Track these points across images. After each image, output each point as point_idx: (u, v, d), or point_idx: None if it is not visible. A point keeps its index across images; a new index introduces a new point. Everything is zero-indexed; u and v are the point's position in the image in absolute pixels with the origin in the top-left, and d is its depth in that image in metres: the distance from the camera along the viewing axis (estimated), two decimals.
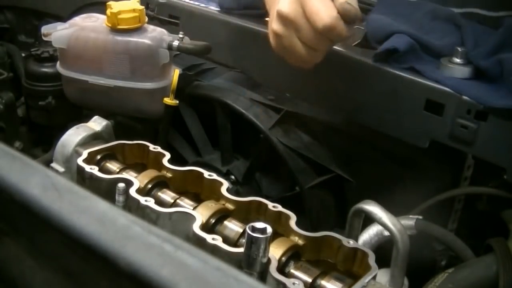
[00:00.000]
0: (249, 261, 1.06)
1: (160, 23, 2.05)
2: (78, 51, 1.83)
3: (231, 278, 0.49)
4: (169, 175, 1.40)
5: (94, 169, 1.33)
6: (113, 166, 1.42)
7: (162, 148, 1.48)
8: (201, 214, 1.22)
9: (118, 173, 1.39)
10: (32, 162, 0.65)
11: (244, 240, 1.11)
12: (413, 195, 1.62)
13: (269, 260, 1.08)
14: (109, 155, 1.44)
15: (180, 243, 0.52)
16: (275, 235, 1.14)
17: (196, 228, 1.16)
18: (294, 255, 1.16)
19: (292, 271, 1.13)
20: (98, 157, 1.42)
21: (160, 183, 1.36)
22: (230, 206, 1.30)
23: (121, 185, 1.28)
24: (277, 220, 1.23)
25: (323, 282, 1.10)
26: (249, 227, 1.05)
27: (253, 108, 1.82)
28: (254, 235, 1.04)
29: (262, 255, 1.06)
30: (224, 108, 1.85)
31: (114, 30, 1.79)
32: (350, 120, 1.74)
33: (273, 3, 1.54)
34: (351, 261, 1.17)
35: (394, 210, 1.26)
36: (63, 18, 2.09)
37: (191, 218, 1.19)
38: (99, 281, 0.56)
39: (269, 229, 1.05)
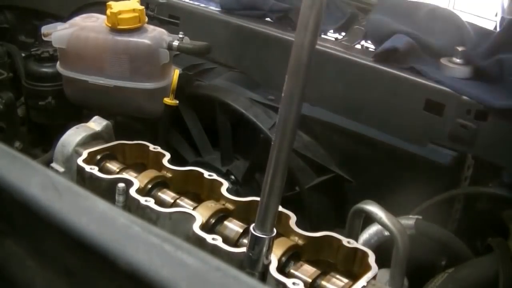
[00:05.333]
0: (252, 261, 1.06)
1: (160, 23, 2.05)
2: (78, 51, 1.83)
3: (231, 278, 0.49)
4: (169, 175, 1.40)
5: (94, 169, 1.33)
6: (113, 166, 1.42)
7: (162, 148, 1.48)
8: (201, 214, 1.22)
9: (118, 173, 1.39)
10: (32, 162, 0.65)
11: (244, 240, 1.11)
12: (413, 195, 1.62)
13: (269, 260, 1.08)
14: (109, 155, 1.44)
15: (180, 243, 0.52)
16: (275, 235, 1.14)
17: (196, 228, 1.16)
18: (294, 255, 1.16)
19: (292, 271, 1.13)
20: (98, 157, 1.41)
21: (160, 183, 1.36)
22: (230, 206, 1.30)
23: (121, 185, 1.28)
24: (277, 220, 1.23)
25: (323, 282, 1.10)
26: (253, 227, 1.04)
27: (253, 108, 1.82)
28: (259, 235, 1.03)
29: (265, 256, 1.05)
30: (224, 108, 1.85)
31: (114, 30, 1.79)
32: (350, 120, 1.74)
33: None
34: (351, 261, 1.17)
35: (394, 210, 1.26)
36: (63, 18, 2.09)
37: (191, 218, 1.19)
38: (99, 281, 0.56)
39: (274, 230, 1.05)
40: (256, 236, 1.03)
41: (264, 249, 1.04)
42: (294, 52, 0.92)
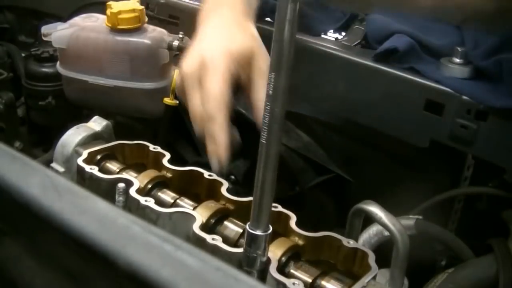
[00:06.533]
0: (249, 259, 1.06)
1: (160, 23, 2.05)
2: (78, 51, 1.83)
3: (231, 278, 0.49)
4: (169, 175, 1.40)
5: (94, 169, 1.33)
6: (113, 166, 1.42)
7: (162, 148, 1.48)
8: (201, 214, 1.22)
9: (118, 173, 1.39)
10: (32, 162, 0.65)
11: (244, 240, 1.10)
12: (413, 195, 1.62)
13: (269, 260, 1.07)
14: (109, 155, 1.44)
15: (180, 243, 0.52)
16: (275, 235, 1.14)
17: (196, 228, 1.16)
18: (294, 255, 1.16)
19: (292, 271, 1.13)
20: (98, 157, 1.41)
21: (160, 183, 1.36)
22: (230, 206, 1.30)
23: (121, 185, 1.27)
24: (277, 220, 1.23)
25: (323, 282, 1.10)
26: (249, 225, 1.05)
27: None
28: (254, 232, 1.03)
29: (262, 253, 1.06)
30: None
31: (114, 30, 1.79)
32: (350, 120, 1.74)
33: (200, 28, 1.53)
34: (351, 261, 1.17)
35: (394, 210, 1.26)
36: (63, 18, 2.09)
37: (191, 218, 1.19)
38: (99, 281, 0.56)
39: (269, 227, 1.05)
40: (252, 234, 1.03)
41: (261, 247, 1.04)
42: (274, 47, 0.94)
